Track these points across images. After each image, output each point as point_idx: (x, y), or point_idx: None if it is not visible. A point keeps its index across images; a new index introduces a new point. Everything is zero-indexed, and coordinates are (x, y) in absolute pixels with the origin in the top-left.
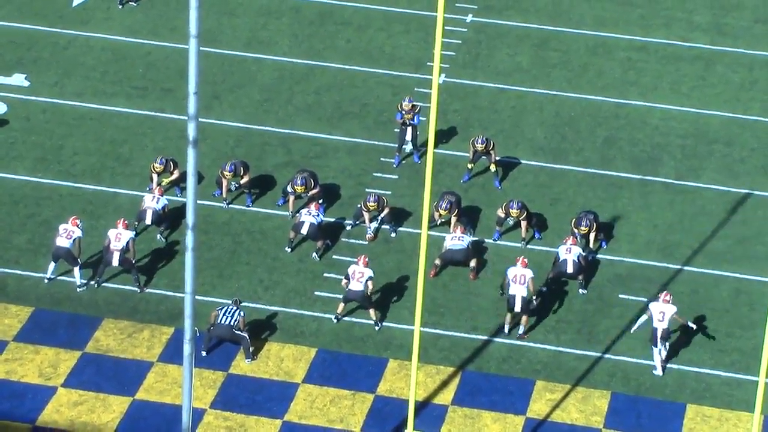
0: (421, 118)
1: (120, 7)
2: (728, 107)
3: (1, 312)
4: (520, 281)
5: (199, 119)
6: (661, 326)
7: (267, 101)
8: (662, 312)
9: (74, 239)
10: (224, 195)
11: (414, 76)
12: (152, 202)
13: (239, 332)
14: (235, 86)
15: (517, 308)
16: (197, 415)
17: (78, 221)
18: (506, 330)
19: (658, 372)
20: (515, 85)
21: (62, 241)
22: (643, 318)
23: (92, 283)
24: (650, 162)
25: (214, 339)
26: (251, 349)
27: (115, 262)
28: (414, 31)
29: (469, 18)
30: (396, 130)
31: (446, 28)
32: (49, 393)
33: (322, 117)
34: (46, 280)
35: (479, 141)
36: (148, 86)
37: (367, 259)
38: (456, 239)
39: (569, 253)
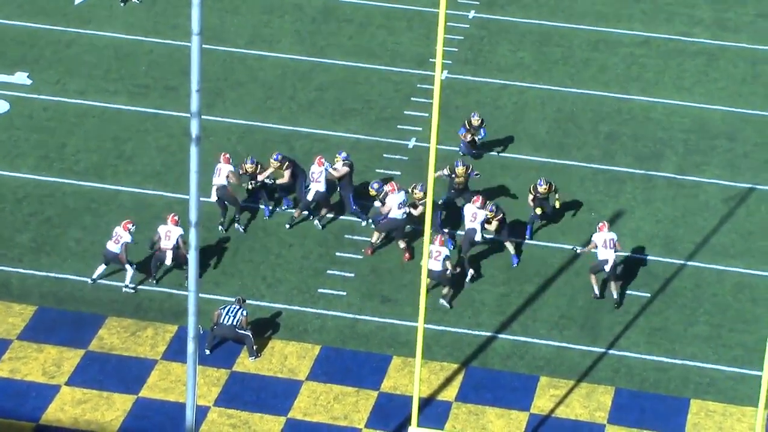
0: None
1: (122, 4)
2: (731, 102)
3: (4, 310)
4: (609, 245)
5: (202, 117)
6: None
7: (270, 98)
8: None
9: (122, 244)
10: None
11: (416, 73)
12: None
13: (242, 331)
14: (238, 84)
15: (608, 268)
16: (201, 412)
17: (130, 225)
18: (597, 293)
19: None
20: (517, 81)
21: (111, 245)
22: None
23: (130, 286)
24: (653, 157)
25: (218, 338)
26: (255, 347)
27: (169, 260)
28: (416, 28)
29: (471, 14)
30: (399, 126)
31: (448, 24)
32: (52, 391)
33: (325, 114)
34: (90, 281)
35: (540, 184)
36: (150, 84)
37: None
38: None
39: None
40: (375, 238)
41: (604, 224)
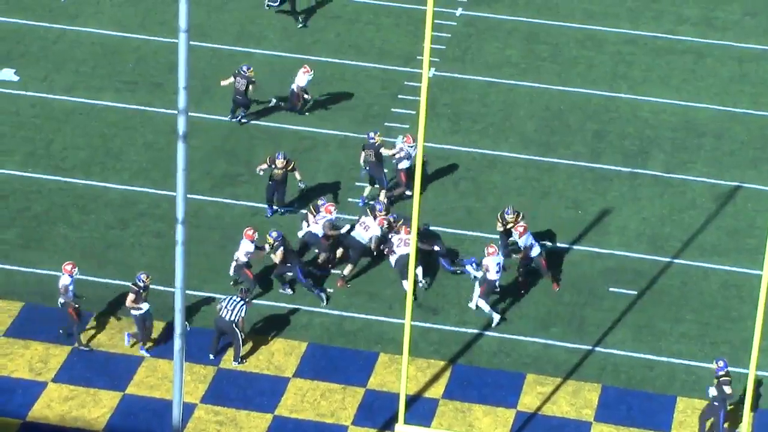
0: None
1: None
2: (718, 100)
3: None
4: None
5: (189, 113)
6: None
7: (257, 95)
8: (498, 264)
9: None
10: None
11: (404, 70)
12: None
13: (237, 329)
14: None
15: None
16: (188, 409)
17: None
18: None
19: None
20: (505, 79)
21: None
22: (480, 273)
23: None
24: (640, 155)
25: (222, 340)
26: (241, 353)
27: (231, 272)
28: (404, 25)
29: (459, 11)
30: (386, 123)
31: (436, 21)
32: (39, 388)
33: (312, 111)
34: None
35: (508, 212)
36: (137, 81)
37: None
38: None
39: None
40: (348, 270)
41: (524, 227)
